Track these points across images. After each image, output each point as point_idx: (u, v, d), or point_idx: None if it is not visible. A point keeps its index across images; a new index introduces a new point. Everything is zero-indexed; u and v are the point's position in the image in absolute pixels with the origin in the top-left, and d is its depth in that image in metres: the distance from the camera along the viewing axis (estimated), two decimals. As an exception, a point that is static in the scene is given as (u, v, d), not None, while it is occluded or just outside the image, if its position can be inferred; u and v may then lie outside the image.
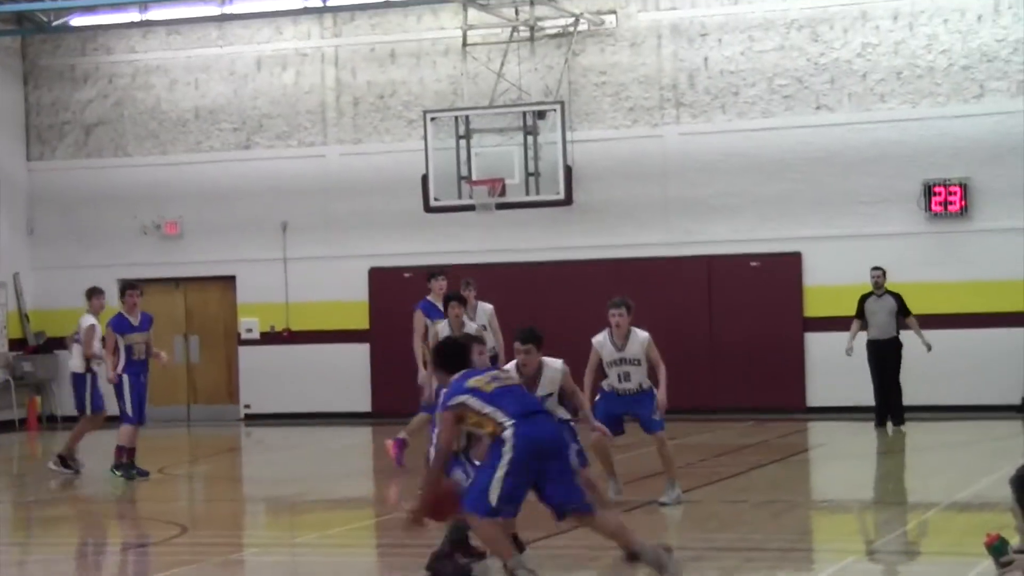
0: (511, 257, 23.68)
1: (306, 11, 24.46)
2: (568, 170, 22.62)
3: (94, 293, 17.79)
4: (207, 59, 25.32)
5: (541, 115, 22.85)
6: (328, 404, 23.97)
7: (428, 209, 22.99)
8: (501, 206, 22.60)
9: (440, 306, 17.09)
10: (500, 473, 10.10)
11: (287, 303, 24.24)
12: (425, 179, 22.85)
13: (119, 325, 17.16)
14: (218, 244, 24.91)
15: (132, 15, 24.74)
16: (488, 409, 10.20)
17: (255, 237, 24.72)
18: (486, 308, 18.04)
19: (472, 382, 10.35)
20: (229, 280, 24.86)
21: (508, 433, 10.12)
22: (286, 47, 25.02)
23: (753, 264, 23.03)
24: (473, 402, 10.25)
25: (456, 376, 10.45)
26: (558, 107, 22.75)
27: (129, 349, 17.15)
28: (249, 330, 24.35)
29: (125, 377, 17.13)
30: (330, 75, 24.84)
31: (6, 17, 24.98)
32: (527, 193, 22.55)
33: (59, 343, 25.10)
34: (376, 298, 24.21)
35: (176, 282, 24.79)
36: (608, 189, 23.40)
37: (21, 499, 16.89)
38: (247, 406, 24.16)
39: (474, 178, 22.59)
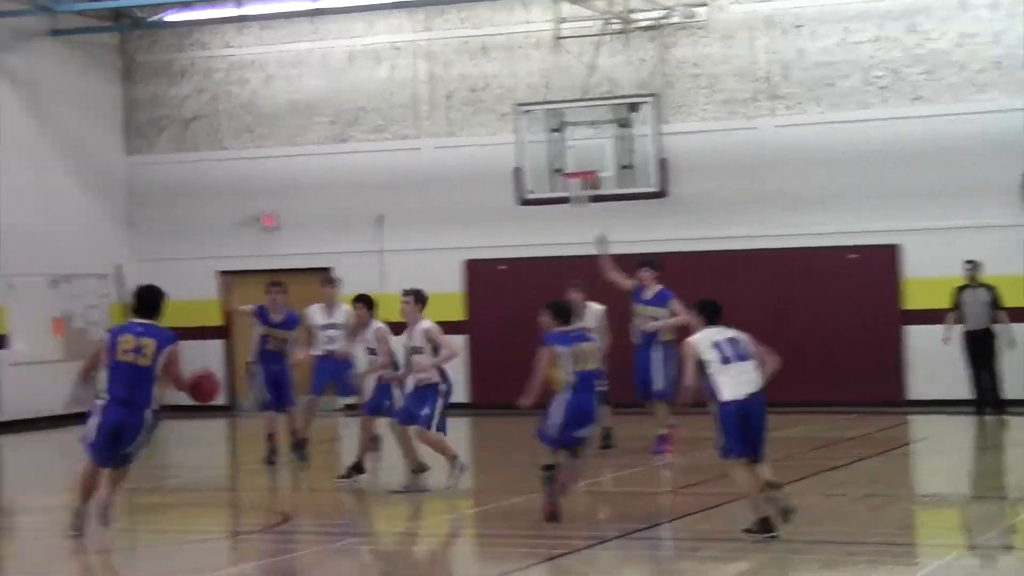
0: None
1: (397, 5, 24.62)
2: (662, 163, 22.63)
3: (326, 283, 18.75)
4: (301, 54, 25.55)
5: (634, 108, 22.89)
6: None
7: (522, 202, 23.09)
8: (595, 199, 22.66)
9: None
10: None
11: (383, 295, 24.39)
12: (518, 172, 22.95)
13: (260, 315, 18.01)
14: (314, 236, 25.14)
15: (227, 10, 25.03)
16: None
17: (351, 229, 24.93)
18: (595, 310, 17.96)
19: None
20: (325, 272, 25.03)
21: None
22: (379, 41, 25.20)
23: (850, 257, 22.88)
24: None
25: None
26: (651, 100, 22.77)
27: (264, 339, 17.97)
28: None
29: (258, 366, 17.92)
30: (423, 69, 24.98)
31: (105, 14, 25.34)
32: (621, 186, 22.59)
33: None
34: (472, 290, 24.34)
35: (274, 274, 24.95)
36: (702, 182, 23.33)
37: (124, 486, 17.13)
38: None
39: (567, 171, 22.66)
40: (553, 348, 13.51)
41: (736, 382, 12.28)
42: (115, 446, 12.99)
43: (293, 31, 25.52)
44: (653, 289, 17.92)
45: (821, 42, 23.11)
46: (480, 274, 24.28)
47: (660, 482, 16.25)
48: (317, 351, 18.22)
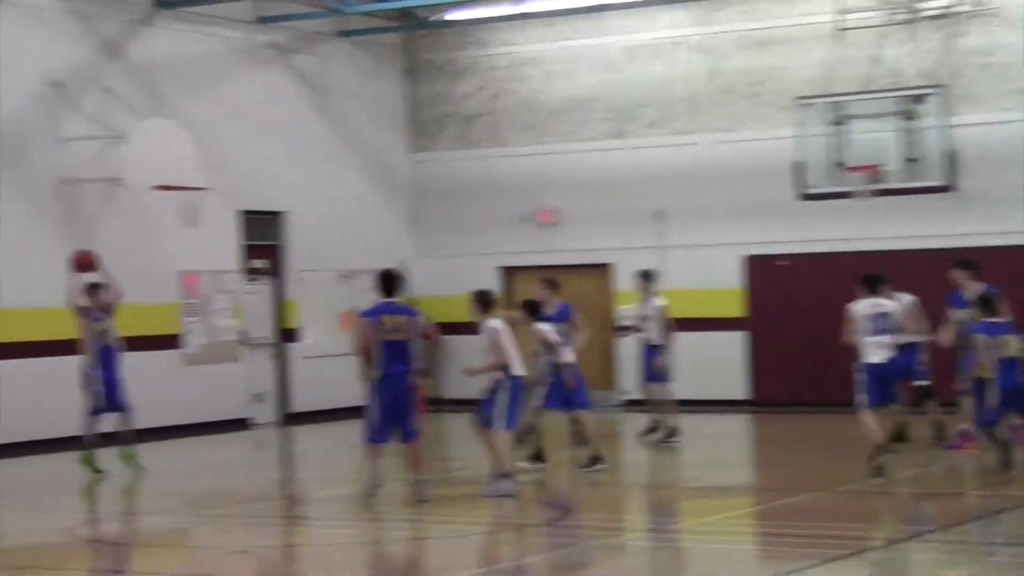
0: (889, 245, 23.16)
1: (677, 0, 24.53)
2: (949, 155, 22.03)
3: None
4: (580, 50, 25.69)
5: (919, 99, 22.35)
6: (702, 391, 23.99)
7: (802, 196, 22.77)
8: (878, 193, 22.19)
9: None
10: None
11: (662, 290, 24.35)
12: (799, 166, 22.63)
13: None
14: (593, 232, 25.25)
15: (508, 8, 25.32)
16: None
17: (629, 225, 24.95)
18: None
19: None
20: (605, 268, 25.18)
21: None
22: (658, 36, 25.15)
23: None
24: None
25: None
26: (938, 91, 22.18)
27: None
28: (625, 318, 24.58)
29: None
30: (701, 63, 24.85)
31: (391, 15, 25.92)
32: (906, 179, 22.08)
33: (443, 329, 25.83)
34: (752, 286, 24.12)
35: (553, 270, 25.16)
36: (994, 174, 22.55)
37: (411, 478, 17.49)
38: (625, 392, 24.41)
39: (849, 164, 22.25)
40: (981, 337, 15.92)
41: (876, 349, 15.32)
42: (395, 420, 14.57)
43: (572, 27, 25.67)
44: (973, 288, 17.42)
45: (1122, 27, 22.16)
46: (760, 270, 24.03)
47: (954, 482, 15.84)
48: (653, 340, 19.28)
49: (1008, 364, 15.71)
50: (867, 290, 15.79)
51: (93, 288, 17.83)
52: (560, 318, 18.16)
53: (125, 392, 17.75)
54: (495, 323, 15.38)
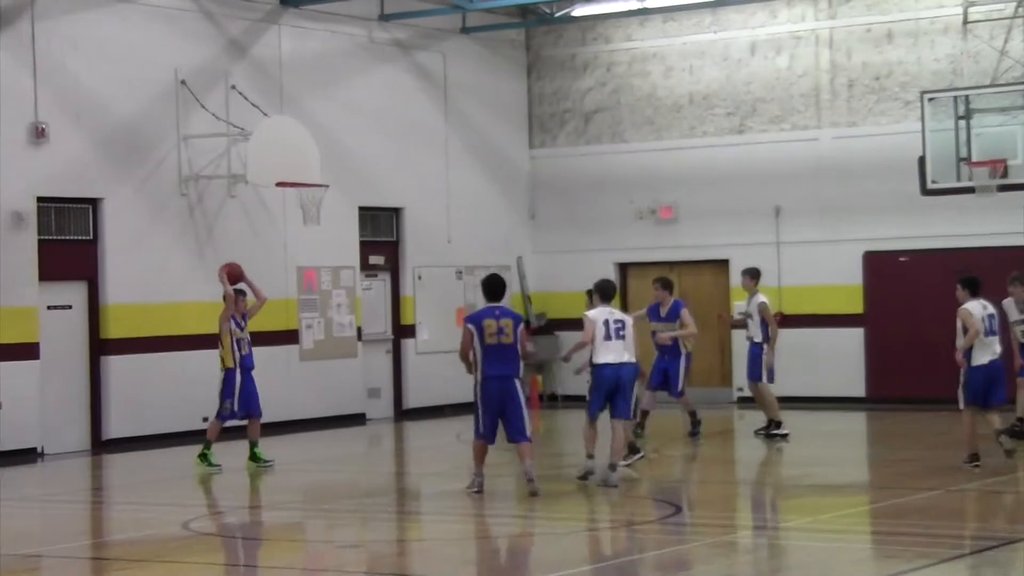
0: (1014, 240, 22.79)
1: (801, -6, 24.34)
2: (1076, 150, 21.60)
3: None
4: (702, 45, 25.58)
5: (1047, 93, 21.91)
6: (820, 388, 23.80)
7: (925, 192, 22.43)
8: (1003, 188, 21.82)
9: None
10: None
11: (780, 287, 24.20)
12: (922, 161, 22.32)
13: (649, 313, 19.25)
14: (712, 228, 25.14)
15: (630, 3, 25.28)
16: None
17: (748, 221, 24.81)
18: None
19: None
20: (723, 264, 25.04)
21: None
22: (780, 31, 24.97)
23: None
24: None
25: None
26: (1065, 84, 21.75)
27: (653, 334, 19.15)
28: (742, 313, 24.43)
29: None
30: (824, 57, 24.62)
31: (512, 11, 26.01)
32: (1030, 175, 21.68)
33: (559, 324, 25.98)
34: (871, 282, 23.86)
35: (670, 266, 25.16)
36: (1121, 170, 22.12)
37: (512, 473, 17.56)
38: (740, 389, 24.26)
39: (974, 159, 21.90)
40: None
41: (984, 351, 15.85)
42: (501, 420, 14.92)
43: (695, 23, 25.57)
44: None
45: None
46: (880, 266, 23.75)
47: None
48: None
49: None
50: (970, 293, 16.18)
51: (238, 295, 18.13)
52: (671, 317, 18.43)
53: (259, 399, 18.04)
54: (590, 312, 15.87)
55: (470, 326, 14.92)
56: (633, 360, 15.65)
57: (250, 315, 18.16)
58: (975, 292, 16.23)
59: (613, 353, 15.57)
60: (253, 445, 17.97)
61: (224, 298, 18.01)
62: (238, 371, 17.77)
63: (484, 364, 14.83)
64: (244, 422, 18.06)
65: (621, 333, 15.61)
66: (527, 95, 26.98)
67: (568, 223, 26.41)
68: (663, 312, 19.04)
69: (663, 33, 25.86)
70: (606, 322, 15.62)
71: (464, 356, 15.00)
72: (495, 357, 14.80)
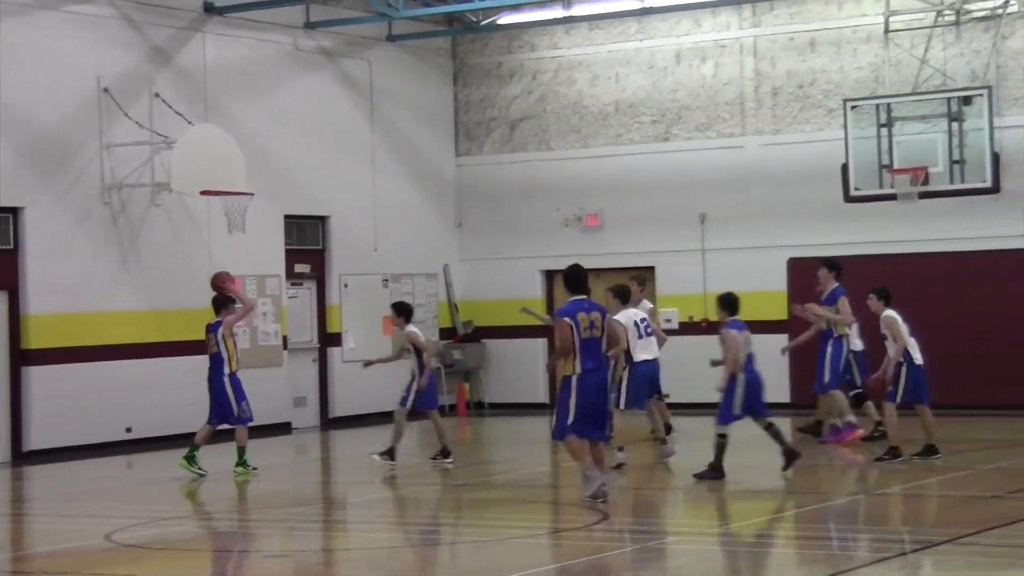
0: (935, 247, 23.06)
1: (726, 2, 24.47)
2: (996, 157, 21.88)
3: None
4: (627, 53, 25.67)
5: (967, 101, 22.18)
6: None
7: (848, 199, 22.66)
8: (924, 195, 22.06)
9: None
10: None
11: (705, 294, 24.32)
12: (845, 168, 22.53)
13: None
14: (637, 235, 25.24)
15: (556, 12, 25.33)
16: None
17: (673, 228, 24.93)
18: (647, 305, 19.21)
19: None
20: (648, 271, 25.13)
21: None
22: (705, 39, 25.11)
23: None
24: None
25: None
26: (985, 92, 22.02)
27: None
28: (668, 320, 24.54)
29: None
30: (749, 66, 24.78)
31: (438, 19, 25.99)
32: (951, 181, 21.95)
33: (486, 332, 25.98)
34: (796, 288, 24.01)
35: (596, 273, 25.17)
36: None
37: (451, 482, 17.55)
38: (667, 395, 24.29)
39: (896, 166, 22.13)
40: None
41: (916, 352, 16.89)
42: (591, 417, 14.42)
43: (620, 31, 25.66)
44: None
45: None
46: (804, 272, 23.85)
47: (987, 486, 15.72)
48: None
49: None
50: (885, 303, 17.11)
51: (229, 302, 18.17)
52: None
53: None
54: (619, 316, 16.73)
55: (568, 320, 14.31)
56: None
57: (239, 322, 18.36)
58: (888, 302, 16.98)
59: (648, 351, 17.01)
60: (242, 451, 17.88)
61: (240, 302, 18.05)
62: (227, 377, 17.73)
63: (582, 359, 14.26)
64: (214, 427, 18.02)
65: (650, 330, 17.19)
66: (453, 103, 26.97)
67: (494, 231, 26.42)
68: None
69: (589, 41, 25.93)
70: (635, 323, 17.04)
71: (562, 351, 14.33)
72: (590, 351, 14.31)
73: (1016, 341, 22.59)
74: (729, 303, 16.18)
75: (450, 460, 17.92)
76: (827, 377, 18.68)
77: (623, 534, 13.53)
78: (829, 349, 18.77)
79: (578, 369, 14.32)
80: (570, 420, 14.38)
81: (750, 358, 16.15)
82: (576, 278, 14.70)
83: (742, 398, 15.94)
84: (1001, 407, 22.43)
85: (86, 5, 21.15)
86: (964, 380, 22.90)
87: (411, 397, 17.80)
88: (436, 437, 18.12)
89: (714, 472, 15.88)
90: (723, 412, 16.03)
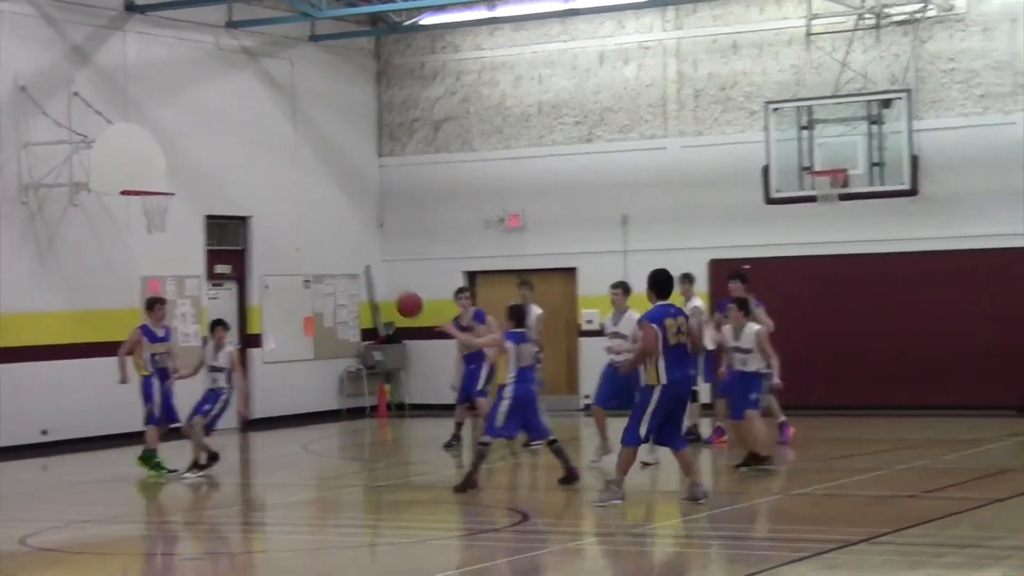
0: (854, 249, 23.25)
1: (649, 4, 24.55)
2: (914, 159, 22.09)
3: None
4: (551, 54, 25.70)
5: (887, 104, 22.39)
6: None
7: (769, 201, 22.79)
8: (844, 197, 22.23)
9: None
10: None
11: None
12: (766, 170, 22.66)
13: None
14: (559, 237, 25.27)
15: (480, 13, 25.31)
16: None
17: (596, 229, 24.98)
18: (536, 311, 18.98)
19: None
20: (570, 272, 25.19)
21: None
22: (628, 41, 25.18)
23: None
24: None
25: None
26: (904, 95, 22.23)
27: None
28: (589, 321, 24.60)
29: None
30: (672, 68, 24.88)
31: (361, 19, 25.90)
32: (871, 184, 22.14)
33: (408, 333, 25.92)
34: (716, 289, 24.11)
35: (519, 274, 25.17)
36: (957, 179, 22.72)
37: (371, 484, 17.50)
38: (586, 396, 24.38)
39: (816, 169, 22.28)
40: None
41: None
42: (670, 424, 14.09)
43: (544, 32, 25.68)
44: None
45: (1087, 32, 22.28)
46: (725, 273, 23.95)
47: (903, 486, 15.88)
48: None
49: None
50: (745, 314, 16.72)
51: (156, 303, 18.08)
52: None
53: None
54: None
55: (655, 326, 13.93)
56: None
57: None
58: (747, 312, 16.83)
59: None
60: (154, 453, 17.77)
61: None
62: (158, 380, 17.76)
63: (669, 366, 13.92)
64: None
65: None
66: (376, 103, 26.89)
67: (417, 231, 26.36)
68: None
69: (512, 42, 25.93)
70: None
71: (649, 355, 13.94)
72: (679, 358, 13.96)
73: (933, 342, 22.82)
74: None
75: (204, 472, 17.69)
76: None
77: (544, 535, 13.53)
78: None
79: (663, 379, 13.93)
80: (644, 430, 14.06)
81: (525, 372, 15.49)
82: (663, 283, 14.29)
83: (505, 414, 15.40)
84: (919, 408, 22.65)
85: (3, 3, 20.88)
86: (883, 380, 23.13)
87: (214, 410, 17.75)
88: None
89: (466, 483, 15.40)
90: (489, 424, 15.59)
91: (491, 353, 18.44)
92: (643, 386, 14.16)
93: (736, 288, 18.59)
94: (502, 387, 15.66)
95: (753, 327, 16.47)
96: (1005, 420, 21.42)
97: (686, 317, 14.19)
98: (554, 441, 15.82)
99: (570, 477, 15.74)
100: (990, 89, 22.81)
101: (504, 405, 15.42)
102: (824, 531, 13.11)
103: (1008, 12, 22.73)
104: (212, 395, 17.82)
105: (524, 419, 15.58)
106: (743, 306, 16.66)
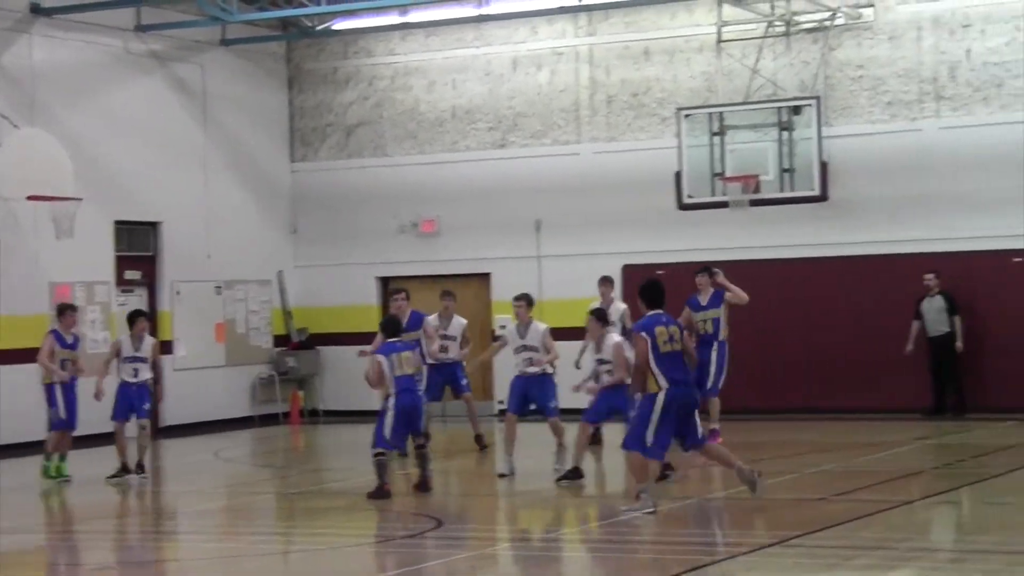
0: (765, 254, 23.42)
1: (562, 10, 24.61)
2: (824, 166, 22.30)
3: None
4: (464, 60, 25.69)
5: (796, 111, 22.59)
6: (581, 401, 24.01)
7: (682, 206, 22.93)
8: (755, 203, 22.41)
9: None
10: None
11: (541, 301, 24.37)
12: (679, 176, 22.79)
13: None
14: (474, 242, 25.26)
15: (392, 18, 25.25)
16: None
17: (510, 235, 24.99)
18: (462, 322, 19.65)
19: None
20: (484, 277, 25.18)
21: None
22: (541, 46, 25.23)
23: (1017, 260, 22.32)
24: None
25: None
26: (814, 102, 22.45)
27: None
28: (503, 327, 24.54)
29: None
30: (584, 74, 24.95)
31: (272, 23, 25.75)
32: (782, 189, 22.33)
33: (321, 339, 25.79)
34: (630, 294, 24.18)
35: (433, 279, 25.17)
36: (865, 185, 22.97)
37: (284, 491, 17.38)
38: (501, 402, 24.37)
39: (728, 175, 22.44)
40: None
41: None
42: (680, 430, 13.92)
43: (457, 38, 25.67)
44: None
45: (990, 41, 22.60)
46: (638, 278, 24.07)
47: (814, 489, 16.00)
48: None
49: None
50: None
51: (66, 310, 17.98)
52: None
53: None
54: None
55: (643, 335, 13.82)
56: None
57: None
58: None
59: None
60: (63, 458, 17.55)
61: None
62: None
63: (665, 372, 13.74)
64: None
65: None
66: (288, 108, 26.75)
67: (330, 237, 26.24)
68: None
69: (425, 48, 25.90)
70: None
71: (640, 367, 13.85)
72: (674, 364, 13.81)
73: (844, 346, 23.03)
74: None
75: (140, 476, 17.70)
76: (714, 381, 18.69)
77: (459, 541, 13.50)
78: (714, 354, 18.75)
79: (663, 384, 13.74)
80: (650, 439, 13.83)
81: (405, 380, 15.46)
82: (654, 293, 14.18)
83: (392, 425, 15.39)
84: (831, 411, 22.85)
85: (-96, 4, 20.59)
86: (795, 385, 23.33)
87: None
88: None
89: (378, 493, 15.34)
90: (378, 435, 15.47)
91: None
92: (645, 395, 13.98)
93: (703, 282, 18.78)
94: (387, 398, 15.50)
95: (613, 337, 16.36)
96: (913, 424, 21.65)
97: (679, 326, 14.11)
98: (422, 446, 15.80)
99: (424, 485, 15.73)
100: (897, 96, 23.08)
101: (389, 417, 15.35)
102: (736, 535, 13.19)
103: (914, 21, 23.02)
104: (142, 390, 17.62)
105: (413, 428, 15.62)
106: (601, 316, 16.57)
